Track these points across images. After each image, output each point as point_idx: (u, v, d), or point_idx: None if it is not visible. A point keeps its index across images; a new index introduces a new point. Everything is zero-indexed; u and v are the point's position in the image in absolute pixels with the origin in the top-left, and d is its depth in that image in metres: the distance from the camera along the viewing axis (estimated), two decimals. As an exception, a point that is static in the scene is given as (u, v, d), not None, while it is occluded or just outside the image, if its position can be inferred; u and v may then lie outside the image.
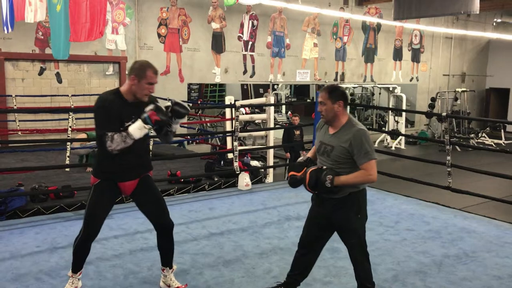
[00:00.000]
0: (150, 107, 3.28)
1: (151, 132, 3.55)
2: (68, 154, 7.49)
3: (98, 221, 3.51)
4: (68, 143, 7.53)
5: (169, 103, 3.38)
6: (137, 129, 3.25)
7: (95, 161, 3.61)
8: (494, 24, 19.22)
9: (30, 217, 5.60)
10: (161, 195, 3.72)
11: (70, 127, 7.60)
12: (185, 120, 3.45)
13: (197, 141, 11.95)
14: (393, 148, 14.84)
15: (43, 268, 4.21)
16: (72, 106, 9.72)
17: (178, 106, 3.38)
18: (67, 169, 7.45)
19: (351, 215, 3.31)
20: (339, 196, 3.27)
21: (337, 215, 3.33)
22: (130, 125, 3.28)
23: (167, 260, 3.75)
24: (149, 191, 3.60)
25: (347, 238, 3.40)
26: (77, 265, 3.62)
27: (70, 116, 7.79)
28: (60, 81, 10.48)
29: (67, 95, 9.97)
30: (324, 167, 3.27)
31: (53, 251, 4.61)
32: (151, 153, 8.27)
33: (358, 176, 3.21)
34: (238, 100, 10.29)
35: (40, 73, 10.28)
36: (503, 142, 16.69)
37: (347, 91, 3.47)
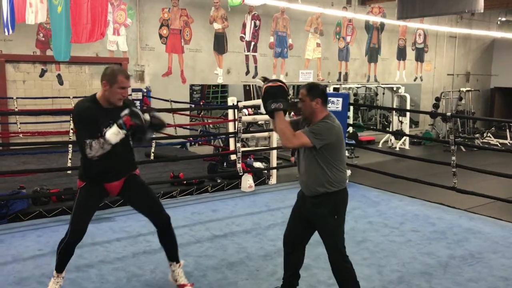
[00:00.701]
0: (125, 112, 3.34)
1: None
2: (69, 156, 7.45)
3: (83, 224, 3.58)
4: (70, 145, 7.49)
5: (147, 116, 3.45)
6: (113, 134, 3.31)
7: (80, 165, 3.65)
8: (499, 23, 19.12)
9: (32, 220, 5.57)
10: (150, 191, 3.77)
11: (71, 129, 7.55)
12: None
13: (200, 142, 11.92)
14: (397, 149, 14.76)
15: (45, 272, 4.18)
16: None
17: (155, 120, 3.51)
18: (69, 172, 7.41)
19: (326, 215, 3.33)
20: (314, 194, 3.33)
21: (313, 214, 3.39)
22: (107, 130, 3.34)
23: (171, 255, 3.79)
24: (138, 189, 3.68)
25: (323, 238, 3.42)
26: (61, 265, 3.68)
27: (71, 118, 7.75)
28: (61, 83, 10.46)
29: (69, 97, 9.94)
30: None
31: (55, 254, 4.57)
32: (153, 155, 8.26)
33: (289, 130, 3.22)
34: (240, 101, 10.26)
35: (41, 75, 10.26)
36: (509, 142, 16.58)
37: (326, 89, 3.50)
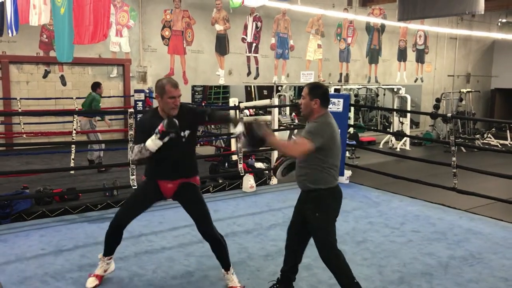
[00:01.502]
0: (164, 120, 3.53)
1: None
2: (72, 156, 7.50)
3: (130, 211, 3.86)
4: (73, 146, 7.54)
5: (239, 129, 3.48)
6: (150, 140, 3.52)
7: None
8: (499, 24, 19.12)
9: (35, 219, 5.61)
10: (199, 205, 3.85)
11: (74, 129, 7.62)
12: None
13: (201, 143, 11.94)
14: (398, 149, 14.78)
15: (48, 271, 4.21)
16: (76, 109, 9.76)
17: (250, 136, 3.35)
18: (72, 172, 7.46)
19: (312, 212, 3.44)
20: (304, 189, 3.48)
21: (303, 209, 3.53)
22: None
23: (221, 263, 3.94)
24: (188, 200, 3.84)
25: (312, 234, 3.52)
26: (107, 249, 3.95)
27: (74, 119, 7.81)
28: (64, 84, 10.50)
29: (72, 98, 9.99)
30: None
31: (58, 254, 4.61)
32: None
33: (287, 144, 3.40)
34: (242, 102, 10.29)
35: (45, 76, 10.30)
36: (509, 143, 16.58)
37: (328, 91, 3.57)
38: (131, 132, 6.05)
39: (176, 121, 3.53)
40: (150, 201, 3.93)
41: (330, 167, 3.43)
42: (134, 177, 6.13)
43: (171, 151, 3.63)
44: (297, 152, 3.32)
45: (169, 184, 3.78)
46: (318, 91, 3.45)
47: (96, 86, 8.47)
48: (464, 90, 17.24)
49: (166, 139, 3.52)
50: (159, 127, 3.49)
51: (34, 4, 6.28)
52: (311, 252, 3.80)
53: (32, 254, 4.59)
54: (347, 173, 7.65)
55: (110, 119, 10.95)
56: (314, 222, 3.46)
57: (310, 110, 3.45)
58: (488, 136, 16.71)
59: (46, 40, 10.08)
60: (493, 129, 17.59)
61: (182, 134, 3.67)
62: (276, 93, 14.38)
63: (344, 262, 3.48)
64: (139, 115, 10.91)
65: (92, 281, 3.95)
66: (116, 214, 3.90)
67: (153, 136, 3.51)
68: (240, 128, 3.42)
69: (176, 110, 3.63)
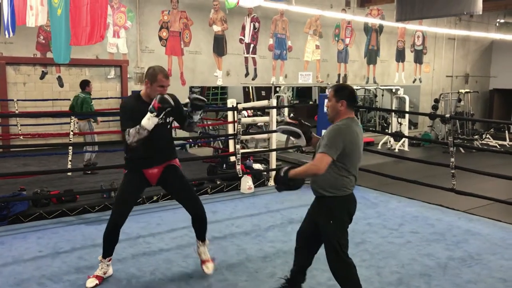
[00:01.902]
0: (155, 98, 3.65)
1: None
2: (70, 158, 7.47)
3: (124, 207, 3.93)
4: (70, 147, 7.52)
5: (187, 100, 3.88)
6: (146, 119, 3.62)
7: (124, 156, 4.04)
8: (497, 24, 19.14)
9: (32, 221, 5.59)
10: (187, 183, 4.13)
11: (72, 131, 7.59)
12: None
13: (199, 144, 11.92)
14: (396, 150, 14.77)
15: (45, 273, 4.20)
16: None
17: (196, 100, 3.85)
18: (69, 174, 7.43)
19: (324, 219, 3.37)
20: (317, 195, 3.42)
21: (315, 215, 3.47)
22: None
23: (199, 235, 4.18)
24: (175, 180, 4.04)
25: (324, 241, 3.46)
26: (106, 251, 4.02)
27: (72, 120, 7.78)
28: (61, 85, 10.47)
29: (69, 99, 9.91)
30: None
31: (56, 256, 4.60)
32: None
33: (306, 166, 3.31)
34: (240, 103, 10.27)
35: (42, 77, 10.28)
36: (508, 143, 16.59)
37: (353, 91, 3.47)
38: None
39: (168, 97, 3.66)
40: (140, 192, 4.11)
41: (347, 174, 3.33)
42: (131, 178, 6.10)
43: (157, 137, 3.81)
44: (320, 169, 3.21)
45: (154, 169, 3.95)
46: (344, 92, 3.37)
47: (85, 84, 8.24)
48: (463, 91, 17.25)
49: (162, 114, 3.63)
50: (153, 104, 3.60)
51: (31, 5, 6.26)
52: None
53: (29, 256, 4.57)
54: (354, 179, 7.62)
55: (107, 121, 10.96)
56: (326, 230, 3.38)
57: (336, 113, 3.37)
58: (487, 136, 16.71)
59: (43, 41, 10.06)
60: (491, 130, 17.59)
61: (167, 120, 3.88)
62: (274, 94, 14.37)
63: (354, 274, 3.39)
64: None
65: (92, 281, 3.98)
66: (111, 214, 3.97)
67: (148, 115, 3.61)
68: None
69: None
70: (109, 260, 4.07)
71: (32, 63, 10.13)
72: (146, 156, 3.87)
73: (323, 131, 3.39)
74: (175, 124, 4.10)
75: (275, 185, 3.45)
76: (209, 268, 4.17)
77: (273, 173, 8.17)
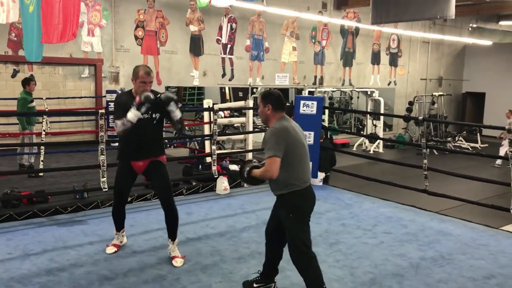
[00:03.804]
0: (141, 94, 4.10)
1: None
2: (42, 158, 7.32)
3: (119, 186, 4.50)
4: (42, 147, 7.36)
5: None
6: (130, 112, 4.05)
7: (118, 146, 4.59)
8: (470, 29, 19.57)
9: (2, 223, 5.44)
10: (166, 179, 4.44)
11: (44, 130, 7.43)
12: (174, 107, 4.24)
13: (175, 144, 11.83)
14: (371, 152, 14.96)
15: (14, 276, 4.10)
16: (46, 109, 9.54)
17: (162, 95, 4.23)
18: (41, 174, 7.28)
19: (284, 213, 3.57)
20: (276, 194, 3.64)
21: (278, 212, 3.67)
22: None
23: (169, 233, 4.47)
24: (156, 175, 4.43)
25: (286, 234, 3.60)
26: (117, 225, 4.69)
27: (44, 120, 7.63)
28: (34, 84, 10.23)
29: (42, 98, 9.75)
30: (254, 160, 3.79)
31: (25, 258, 4.49)
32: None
33: (262, 171, 3.53)
34: (216, 104, 10.24)
35: (13, 76, 10.05)
36: (479, 146, 16.98)
37: (280, 96, 3.68)
38: (102, 134, 5.93)
39: (151, 95, 4.09)
40: (132, 175, 4.48)
41: (298, 168, 3.51)
42: (105, 179, 6.02)
43: (143, 132, 4.20)
44: (273, 174, 3.43)
45: (139, 162, 4.37)
46: (268, 97, 3.61)
47: (25, 82, 7.78)
48: (436, 94, 17.59)
49: (143, 109, 4.06)
50: (136, 100, 4.07)
51: (2, 2, 6.12)
52: (284, 255, 3.79)
53: (-2, 259, 4.46)
54: (321, 175, 7.68)
55: (81, 120, 10.79)
56: (287, 223, 3.55)
57: (265, 117, 3.63)
58: (460, 139, 17.07)
59: (15, 38, 9.84)
60: (464, 132, 17.97)
61: (153, 116, 4.23)
62: (251, 95, 14.38)
63: (314, 266, 3.52)
64: (111, 116, 10.81)
65: (111, 248, 4.65)
66: (113, 193, 4.56)
67: (132, 109, 4.06)
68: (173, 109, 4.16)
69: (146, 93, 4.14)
70: (123, 232, 4.76)
71: (3, 61, 9.90)
72: (133, 149, 4.30)
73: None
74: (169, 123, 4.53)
75: (243, 180, 3.84)
76: (177, 262, 4.39)
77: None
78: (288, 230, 3.54)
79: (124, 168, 4.43)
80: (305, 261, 3.51)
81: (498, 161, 12.88)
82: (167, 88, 12.30)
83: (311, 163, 3.85)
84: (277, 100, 3.60)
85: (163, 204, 4.40)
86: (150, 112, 4.17)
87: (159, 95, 4.22)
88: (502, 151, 12.47)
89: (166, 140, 10.49)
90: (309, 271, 3.52)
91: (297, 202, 3.53)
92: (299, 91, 15.28)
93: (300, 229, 3.52)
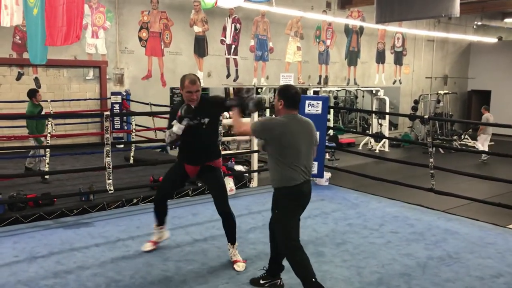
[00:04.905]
0: (181, 107, 4.11)
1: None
2: (47, 161, 7.34)
3: (164, 186, 4.65)
4: (47, 150, 7.38)
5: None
6: (174, 125, 4.11)
7: None
8: (475, 27, 19.49)
9: (8, 226, 5.45)
10: (219, 185, 4.45)
11: (49, 133, 7.45)
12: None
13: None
14: (377, 151, 14.91)
15: (21, 279, 4.10)
16: (51, 112, 9.57)
17: (252, 106, 4.14)
18: (47, 177, 7.30)
19: (273, 208, 3.74)
20: (273, 187, 3.72)
21: (272, 206, 3.81)
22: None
23: (229, 238, 4.46)
24: (209, 181, 4.50)
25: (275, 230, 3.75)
26: (158, 220, 4.68)
27: (49, 122, 7.65)
28: (38, 86, 10.27)
29: (46, 101, 9.79)
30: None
31: (32, 261, 4.49)
32: (133, 159, 8.18)
33: (239, 121, 3.88)
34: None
35: (18, 78, 10.09)
36: (485, 144, 16.88)
37: (296, 94, 3.67)
38: (107, 136, 5.94)
39: (192, 107, 4.08)
40: (182, 178, 4.55)
41: (288, 167, 3.53)
42: (110, 181, 6.02)
43: (195, 138, 4.25)
44: (239, 130, 3.87)
45: (191, 167, 4.41)
46: (282, 93, 3.63)
47: (31, 94, 7.57)
48: (442, 92, 17.51)
49: (184, 122, 4.06)
50: (178, 113, 4.08)
51: (6, 5, 6.13)
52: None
53: (5, 262, 4.46)
54: (327, 175, 7.66)
55: (86, 122, 10.81)
56: (273, 219, 3.73)
57: (277, 109, 3.65)
58: (465, 137, 16.98)
59: (19, 41, 9.88)
60: (470, 130, 17.88)
61: (202, 121, 4.22)
62: (256, 95, 14.36)
63: (301, 257, 3.57)
64: (116, 118, 10.83)
65: (148, 246, 4.70)
66: (156, 189, 4.70)
67: (174, 121, 4.11)
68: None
69: (195, 102, 4.15)
70: (162, 228, 4.71)
71: (8, 64, 9.94)
72: (186, 154, 4.42)
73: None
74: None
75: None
76: (239, 266, 4.34)
77: (255, 174, 8.17)
78: (276, 226, 3.70)
79: (177, 168, 4.51)
80: (293, 253, 3.60)
81: (484, 156, 13.46)
82: (172, 90, 12.31)
83: (316, 163, 3.89)
84: (291, 98, 3.60)
85: (219, 212, 4.41)
86: (198, 118, 4.17)
87: (249, 107, 4.07)
88: (478, 145, 13.59)
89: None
90: (297, 261, 3.58)
91: (286, 199, 3.60)
92: (304, 90, 15.25)
93: (288, 223, 3.60)
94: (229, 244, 4.46)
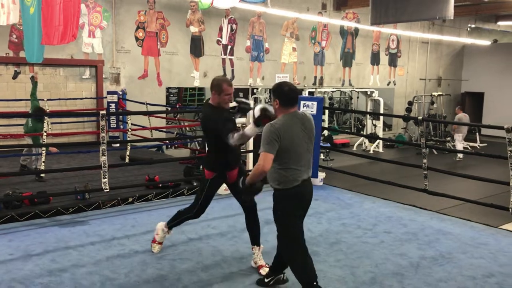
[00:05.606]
0: (259, 110, 3.82)
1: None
2: (43, 159, 7.34)
3: (206, 206, 4.45)
4: (43, 148, 7.38)
5: (234, 104, 4.31)
6: (248, 129, 3.90)
7: (207, 157, 4.49)
8: (468, 29, 19.61)
9: (3, 224, 5.46)
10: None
11: (45, 131, 7.45)
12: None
13: (176, 145, 11.87)
14: (371, 152, 14.98)
15: (16, 277, 4.11)
16: (47, 111, 9.56)
17: (242, 104, 4.31)
18: (42, 175, 7.30)
19: (273, 208, 3.64)
20: (272, 188, 3.62)
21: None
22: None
23: (253, 240, 4.33)
24: (237, 179, 4.30)
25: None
26: (173, 225, 4.64)
27: (45, 121, 7.64)
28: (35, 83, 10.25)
29: (43, 99, 9.78)
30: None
31: (27, 259, 4.51)
32: (128, 158, 8.18)
33: (254, 168, 3.48)
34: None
35: (15, 77, 10.08)
36: (478, 145, 17.01)
37: (291, 90, 3.55)
38: (103, 135, 5.95)
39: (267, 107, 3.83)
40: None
41: (288, 168, 3.47)
42: (106, 180, 6.04)
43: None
44: (264, 168, 3.39)
45: (234, 171, 4.32)
46: (276, 92, 3.53)
47: (38, 111, 7.55)
48: (436, 94, 17.60)
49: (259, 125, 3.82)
50: (258, 117, 3.71)
51: (2, 3, 6.14)
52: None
53: None
54: (321, 175, 7.70)
55: (82, 121, 10.81)
56: (275, 218, 3.65)
57: (275, 110, 3.55)
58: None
59: (16, 40, 9.87)
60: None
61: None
62: (252, 95, 14.40)
63: (301, 257, 3.55)
64: (112, 117, 10.83)
65: (158, 248, 4.70)
66: (197, 210, 4.42)
67: (252, 125, 3.80)
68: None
69: (228, 104, 4.23)
70: (170, 232, 4.69)
71: (5, 63, 9.92)
72: (227, 158, 4.25)
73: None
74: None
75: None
76: (265, 271, 4.16)
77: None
78: (277, 226, 3.66)
79: (219, 183, 4.41)
80: (292, 253, 3.60)
81: (460, 155, 13.91)
82: (168, 89, 12.31)
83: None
84: (285, 95, 3.48)
85: (248, 213, 4.31)
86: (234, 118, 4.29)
87: (239, 102, 4.30)
88: (458, 145, 14.19)
89: (167, 141, 10.47)
90: (296, 261, 3.59)
91: (285, 201, 3.53)
92: (299, 91, 15.28)
93: (289, 224, 3.58)
94: (255, 246, 4.32)
